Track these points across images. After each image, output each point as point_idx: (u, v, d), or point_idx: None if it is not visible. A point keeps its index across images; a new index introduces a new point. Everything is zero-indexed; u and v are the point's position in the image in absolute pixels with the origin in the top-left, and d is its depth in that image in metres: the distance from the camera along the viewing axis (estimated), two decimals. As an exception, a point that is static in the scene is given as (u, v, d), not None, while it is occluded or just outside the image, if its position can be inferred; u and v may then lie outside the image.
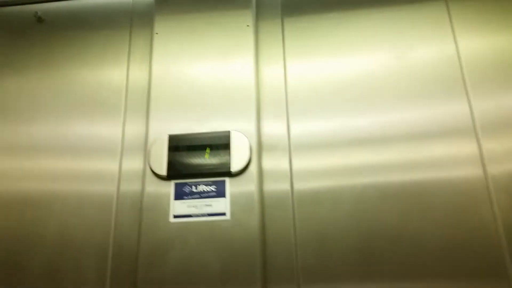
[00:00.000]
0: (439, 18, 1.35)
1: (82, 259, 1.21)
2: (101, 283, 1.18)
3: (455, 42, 1.32)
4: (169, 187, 1.20)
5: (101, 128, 1.35)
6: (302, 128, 1.28)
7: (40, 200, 1.28)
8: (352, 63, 1.33)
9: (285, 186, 1.22)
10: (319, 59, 1.35)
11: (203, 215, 1.16)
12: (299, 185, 1.22)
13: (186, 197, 1.18)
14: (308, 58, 1.36)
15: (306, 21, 1.41)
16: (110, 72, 1.42)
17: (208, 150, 1.21)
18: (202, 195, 1.18)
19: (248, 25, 1.36)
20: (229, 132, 1.23)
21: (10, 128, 1.39)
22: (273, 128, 1.29)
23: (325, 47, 1.36)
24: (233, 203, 1.17)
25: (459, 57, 1.30)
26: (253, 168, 1.21)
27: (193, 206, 1.17)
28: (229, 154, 1.20)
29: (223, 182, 1.19)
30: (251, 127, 1.25)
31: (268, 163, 1.25)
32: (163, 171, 1.21)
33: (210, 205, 1.17)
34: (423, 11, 1.37)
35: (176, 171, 1.20)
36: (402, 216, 1.15)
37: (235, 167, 1.19)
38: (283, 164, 1.25)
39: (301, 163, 1.24)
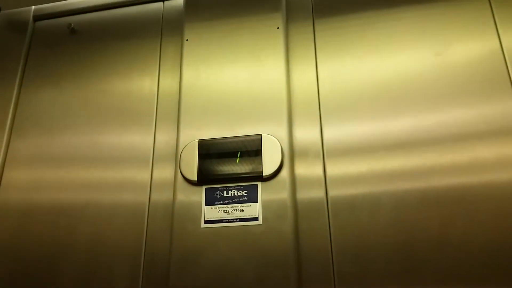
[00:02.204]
0: (480, 12, 1.28)
1: (114, 266, 1.20)
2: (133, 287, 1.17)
3: (499, 36, 1.25)
4: (200, 193, 1.18)
5: (133, 137, 1.35)
6: (336, 132, 1.23)
7: (73, 209, 1.29)
8: (388, 63, 1.28)
9: (319, 193, 1.17)
10: (352, 60, 1.31)
11: (234, 220, 1.13)
12: (334, 192, 1.17)
13: (217, 203, 1.16)
14: (341, 59, 1.32)
15: (338, 21, 1.37)
16: (141, 80, 1.43)
17: (239, 154, 1.19)
18: (233, 200, 1.15)
19: (278, 27, 1.34)
20: (260, 135, 1.21)
21: (44, 138, 1.42)
22: (305, 133, 1.25)
23: (359, 47, 1.32)
24: (265, 208, 1.13)
25: (503, 53, 1.23)
26: (285, 172, 1.17)
27: (225, 211, 1.15)
28: (260, 158, 1.18)
29: (255, 186, 1.16)
30: (282, 131, 1.22)
31: (301, 169, 1.21)
32: (194, 177, 1.19)
33: (241, 210, 1.14)
34: (463, 6, 1.30)
35: (207, 176, 1.18)
36: (445, 223, 1.08)
37: (267, 171, 1.16)
38: (317, 170, 1.20)
39: (335, 169, 1.19)
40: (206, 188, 1.18)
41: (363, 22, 1.35)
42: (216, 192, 1.17)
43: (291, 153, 1.21)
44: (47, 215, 1.30)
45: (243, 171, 1.17)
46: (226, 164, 1.19)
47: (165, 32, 1.48)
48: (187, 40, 1.39)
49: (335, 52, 1.33)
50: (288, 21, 1.40)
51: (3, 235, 1.30)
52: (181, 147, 1.25)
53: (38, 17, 1.63)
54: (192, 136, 1.26)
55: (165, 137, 1.33)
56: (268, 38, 1.33)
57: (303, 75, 1.32)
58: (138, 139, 1.34)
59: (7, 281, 1.25)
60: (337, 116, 1.25)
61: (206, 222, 1.15)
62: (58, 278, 1.22)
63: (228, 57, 1.34)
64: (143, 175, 1.29)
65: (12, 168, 1.39)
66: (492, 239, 1.05)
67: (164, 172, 1.28)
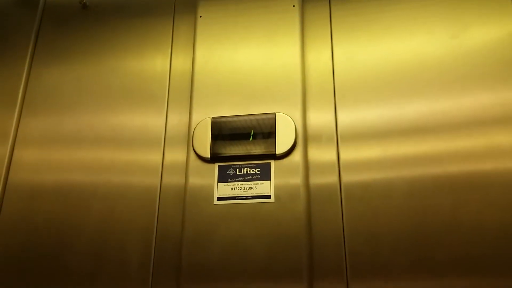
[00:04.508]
0: (498, -6, 1.27)
1: (125, 247, 1.20)
2: (145, 265, 1.18)
3: (517, 19, 1.23)
4: (213, 170, 1.18)
5: (144, 117, 1.34)
6: (351, 115, 1.22)
7: (83, 190, 1.28)
8: (405, 45, 1.27)
9: (332, 178, 1.17)
10: (368, 41, 1.29)
11: (247, 197, 1.14)
12: (347, 177, 1.16)
13: (230, 180, 1.16)
14: (356, 40, 1.30)
15: (355, 0, 1.35)
16: (153, 58, 1.41)
17: (252, 133, 1.18)
18: (246, 177, 1.16)
19: (294, 5, 1.32)
20: (274, 114, 1.20)
21: (54, 116, 1.40)
22: (319, 114, 1.24)
23: (375, 28, 1.30)
24: (277, 187, 1.13)
25: (520, 36, 1.21)
26: (298, 152, 1.17)
27: (237, 189, 1.15)
28: (274, 136, 1.17)
29: (268, 164, 1.16)
30: (296, 111, 1.21)
31: (314, 153, 1.20)
32: (207, 154, 1.19)
33: (254, 188, 1.14)
34: (480, -12, 1.28)
35: (220, 153, 1.18)
36: (458, 209, 1.07)
37: (280, 149, 1.16)
38: (330, 154, 1.19)
39: (349, 153, 1.18)
40: (219, 165, 1.18)
41: (380, 2, 1.33)
42: (229, 170, 1.17)
43: (305, 134, 1.21)
44: (56, 195, 1.29)
45: (256, 149, 1.17)
46: (239, 142, 1.18)
47: (178, 9, 1.46)
48: (200, 17, 1.37)
49: (351, 32, 1.31)
50: (304, -1, 1.38)
51: (14, 214, 1.30)
52: (193, 125, 1.24)
53: (49, -9, 1.61)
54: (205, 114, 1.25)
55: (177, 118, 1.32)
56: (283, 16, 1.32)
57: (318, 55, 1.31)
58: (150, 119, 1.33)
59: (20, 259, 1.25)
60: (351, 98, 1.24)
61: (219, 199, 1.15)
62: (70, 251, 1.22)
63: (242, 34, 1.32)
64: (154, 157, 1.28)
65: (22, 147, 1.38)
66: (505, 226, 1.04)
67: (176, 154, 1.27)
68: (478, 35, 1.23)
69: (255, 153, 1.16)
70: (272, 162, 1.16)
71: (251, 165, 1.17)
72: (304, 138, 1.20)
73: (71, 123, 1.38)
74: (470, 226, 1.06)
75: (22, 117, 1.43)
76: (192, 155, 1.21)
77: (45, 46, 1.52)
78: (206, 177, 1.18)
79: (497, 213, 1.05)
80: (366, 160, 1.16)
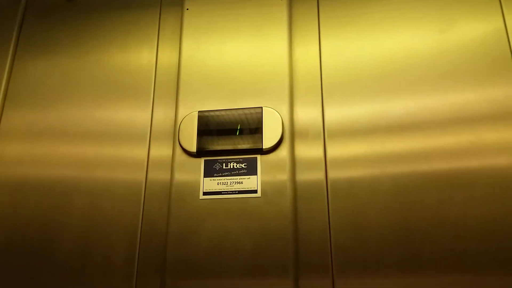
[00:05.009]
0: (485, -10, 1.27)
1: (111, 237, 1.19)
2: (130, 260, 1.16)
3: (503, 15, 1.23)
4: (199, 165, 1.17)
5: (130, 111, 1.32)
6: (337, 111, 1.22)
7: (67, 185, 1.26)
8: (392, 41, 1.26)
9: (319, 173, 1.16)
10: (356, 37, 1.29)
11: (233, 192, 1.13)
12: (334, 173, 1.16)
13: (216, 175, 1.15)
14: (344, 35, 1.30)
15: (342, -5, 1.35)
16: (139, 52, 1.39)
17: (239, 127, 1.17)
18: (232, 172, 1.15)
19: (281, -1, 1.32)
20: (261, 108, 1.19)
21: (38, 110, 1.38)
22: (306, 110, 1.23)
23: (364, 23, 1.30)
24: (264, 182, 1.13)
25: (507, 32, 1.21)
26: (285, 146, 1.16)
27: (223, 183, 1.14)
28: (261, 131, 1.16)
29: (255, 159, 1.15)
30: (283, 106, 1.20)
31: (301, 149, 1.19)
32: (193, 148, 1.18)
33: (240, 183, 1.13)
34: (468, -16, 1.29)
35: (206, 148, 1.17)
36: (444, 205, 1.08)
37: (267, 144, 1.15)
38: (317, 150, 1.19)
39: (336, 149, 1.18)
40: (205, 160, 1.17)
41: (368, -3, 1.33)
42: (215, 164, 1.16)
43: (292, 129, 1.20)
44: (40, 190, 1.27)
45: (243, 144, 1.16)
46: (225, 137, 1.17)
47: (164, 1, 1.44)
48: (187, 9, 1.36)
49: (339, 27, 1.31)
50: (292, -7, 1.38)
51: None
52: (180, 119, 1.23)
53: (32, -17, 1.58)
54: (191, 108, 1.24)
55: (163, 112, 1.30)
56: (271, 10, 1.31)
57: (306, 50, 1.30)
58: (135, 113, 1.32)
59: (3, 254, 1.22)
60: (339, 93, 1.23)
61: (205, 193, 1.14)
62: (52, 255, 1.20)
63: (230, 27, 1.31)
64: (140, 151, 1.26)
65: (5, 140, 1.35)
66: (490, 222, 1.05)
67: (162, 149, 1.25)
68: (466, 30, 1.24)
69: (241, 148, 1.16)
70: (258, 157, 1.16)
71: (238, 160, 1.16)
72: (291, 133, 1.19)
73: (55, 117, 1.36)
74: (455, 222, 1.06)
75: (5, 109, 1.40)
76: (178, 150, 1.20)
77: (29, 38, 1.49)
78: (192, 171, 1.17)
79: (482, 210, 1.06)
80: (353, 156, 1.16)
